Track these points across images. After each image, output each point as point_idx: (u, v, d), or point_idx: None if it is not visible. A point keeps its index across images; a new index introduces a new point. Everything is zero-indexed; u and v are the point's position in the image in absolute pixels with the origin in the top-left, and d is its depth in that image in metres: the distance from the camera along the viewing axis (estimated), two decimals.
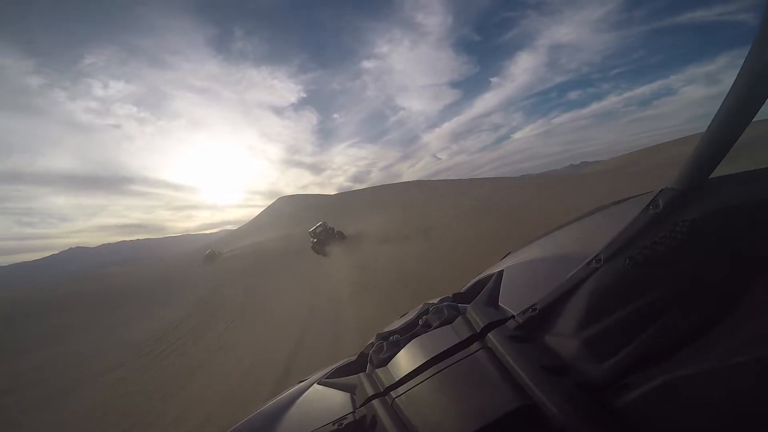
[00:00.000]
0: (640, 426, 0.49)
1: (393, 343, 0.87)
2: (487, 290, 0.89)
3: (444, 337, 0.76)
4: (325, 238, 17.44)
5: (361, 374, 0.84)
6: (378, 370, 0.80)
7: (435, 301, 1.01)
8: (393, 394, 0.70)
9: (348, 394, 0.80)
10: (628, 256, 0.60)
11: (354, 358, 0.99)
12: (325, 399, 0.83)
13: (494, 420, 0.55)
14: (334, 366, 0.99)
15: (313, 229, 18.19)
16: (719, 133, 0.51)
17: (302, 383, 0.96)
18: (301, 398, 0.89)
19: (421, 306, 1.00)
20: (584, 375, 0.56)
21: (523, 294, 0.78)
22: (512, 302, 0.78)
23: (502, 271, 0.94)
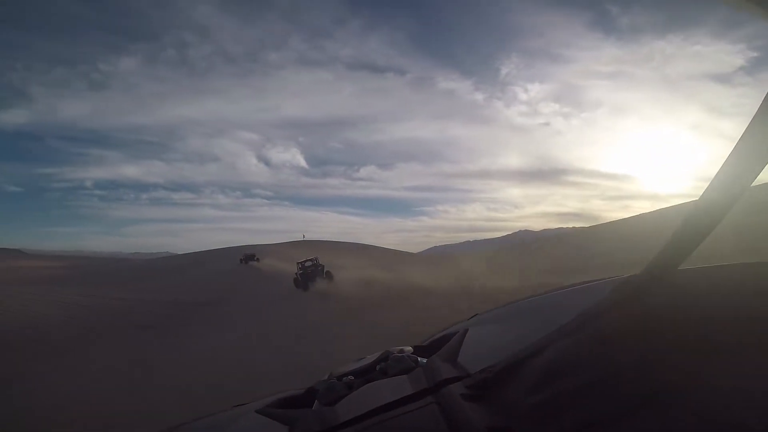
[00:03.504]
0: None
1: (346, 384, 0.84)
2: (448, 346, 0.88)
3: (398, 387, 0.74)
4: (311, 274, 17.48)
5: (305, 409, 0.81)
6: (325, 409, 0.76)
7: (395, 349, 0.97)
8: None
9: (286, 428, 0.74)
10: (588, 332, 0.62)
11: (301, 391, 0.94)
12: (259, 428, 0.79)
13: None
14: (277, 395, 0.94)
15: (302, 261, 18.46)
16: (690, 229, 0.54)
17: (238, 408, 0.93)
18: (234, 423, 0.86)
19: (381, 352, 0.96)
20: None
21: (483, 355, 0.78)
22: (471, 361, 0.77)
23: (467, 329, 0.94)
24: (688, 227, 0.53)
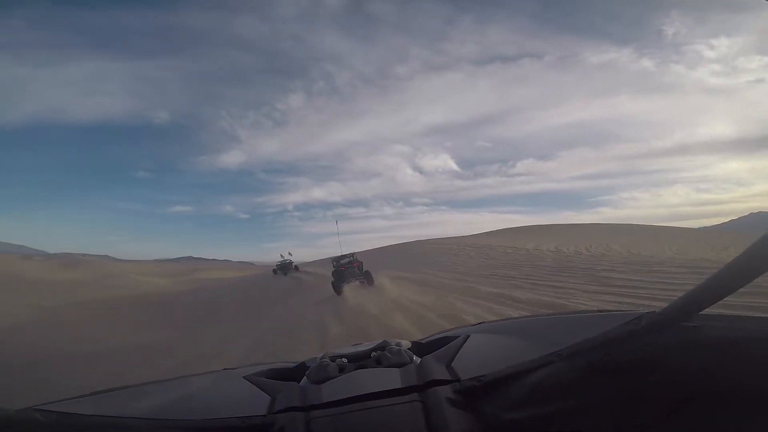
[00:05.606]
0: None
1: (338, 365, 0.85)
2: (446, 349, 0.87)
3: (388, 379, 0.75)
4: (347, 273, 13.98)
5: (292, 383, 0.83)
6: (311, 386, 0.78)
7: (394, 342, 0.97)
8: (315, 413, 0.68)
9: (270, 398, 0.76)
10: (589, 359, 0.60)
11: (293, 365, 0.97)
12: (243, 393, 0.81)
13: None
14: (268, 365, 0.98)
15: (338, 257, 14.93)
16: (725, 277, 0.51)
17: (229, 371, 0.98)
18: (220, 385, 0.91)
19: (379, 341, 0.97)
20: None
21: (478, 363, 0.77)
22: (465, 367, 0.76)
23: (469, 336, 0.93)
24: (727, 273, 0.51)
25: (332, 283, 14.06)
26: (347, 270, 14.24)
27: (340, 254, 15.14)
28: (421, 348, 1.00)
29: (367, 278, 13.83)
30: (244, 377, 0.85)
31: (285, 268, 28.27)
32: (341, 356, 0.91)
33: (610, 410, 0.54)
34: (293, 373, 0.91)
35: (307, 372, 0.84)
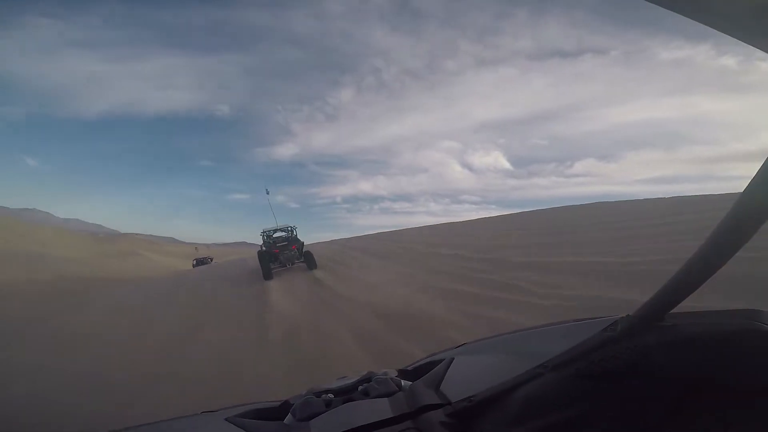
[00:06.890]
0: None
1: (324, 401, 0.83)
2: (432, 373, 0.87)
3: (378, 409, 0.74)
4: (281, 256, 11.25)
5: (277, 422, 0.81)
6: (298, 423, 0.76)
7: (379, 372, 0.96)
8: None
9: None
10: (575, 367, 0.61)
11: (277, 404, 0.93)
12: None
13: None
14: (250, 406, 0.93)
15: (268, 230, 12.30)
16: (690, 272, 0.52)
17: (207, 414, 0.91)
18: (200, 429, 0.86)
19: (365, 373, 0.95)
20: None
21: (466, 384, 0.77)
22: (453, 390, 0.76)
23: (453, 358, 0.92)
24: (689, 270, 0.52)
25: (259, 257, 11.32)
26: (283, 253, 11.25)
27: (274, 227, 12.01)
28: (407, 375, 1.00)
29: (308, 261, 11.35)
30: (225, 419, 0.82)
31: (201, 262, 30.43)
32: (326, 391, 0.88)
33: (607, 416, 0.56)
34: (277, 412, 0.89)
35: (292, 409, 0.82)
